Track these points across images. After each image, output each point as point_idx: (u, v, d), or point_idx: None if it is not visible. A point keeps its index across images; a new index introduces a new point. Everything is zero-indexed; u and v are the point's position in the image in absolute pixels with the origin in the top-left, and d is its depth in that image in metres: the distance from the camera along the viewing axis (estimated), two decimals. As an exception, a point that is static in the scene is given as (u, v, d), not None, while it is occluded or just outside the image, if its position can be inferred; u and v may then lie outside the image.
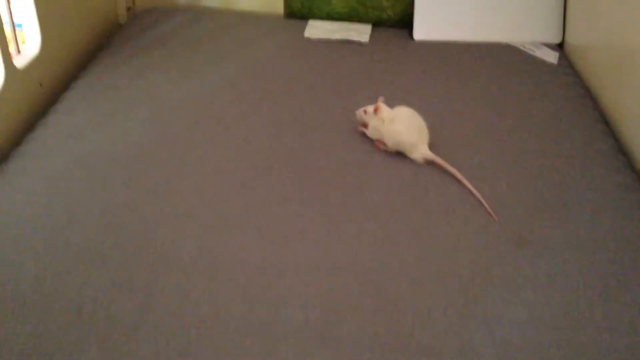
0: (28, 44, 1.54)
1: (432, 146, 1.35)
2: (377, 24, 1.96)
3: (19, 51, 1.53)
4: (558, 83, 1.66)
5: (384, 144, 1.38)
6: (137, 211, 1.19)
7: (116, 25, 2.00)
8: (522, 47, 1.84)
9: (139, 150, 1.36)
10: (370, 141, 1.41)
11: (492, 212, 1.21)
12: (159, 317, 0.98)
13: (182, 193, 1.25)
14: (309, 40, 1.87)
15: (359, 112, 1.42)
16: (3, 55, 1.36)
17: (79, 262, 1.07)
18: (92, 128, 1.43)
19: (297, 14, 2.00)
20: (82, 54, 1.79)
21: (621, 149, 1.41)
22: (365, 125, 1.42)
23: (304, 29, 1.92)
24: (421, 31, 1.89)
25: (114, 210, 1.19)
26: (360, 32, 1.90)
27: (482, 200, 1.23)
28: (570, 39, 1.83)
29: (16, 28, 1.53)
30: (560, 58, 1.78)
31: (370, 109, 1.39)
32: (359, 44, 1.85)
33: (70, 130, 1.42)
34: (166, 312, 0.99)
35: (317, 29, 1.92)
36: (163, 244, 1.12)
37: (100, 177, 1.28)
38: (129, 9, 2.06)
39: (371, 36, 1.89)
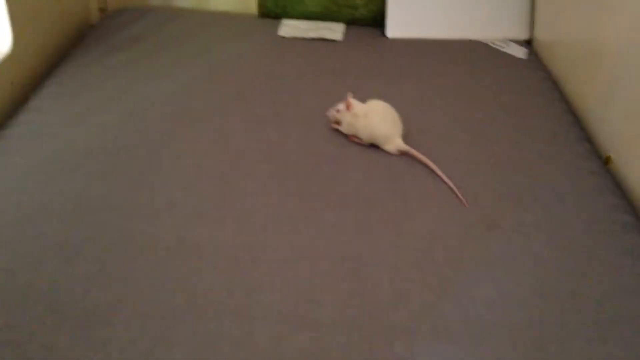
0: (-1, 43, 1.53)
1: (405, 138, 1.37)
2: (350, 23, 1.99)
3: (-10, 50, 1.52)
4: (527, 77, 1.70)
5: (359, 139, 1.40)
6: (112, 204, 1.19)
7: (88, 25, 2.00)
8: (492, 44, 1.88)
9: (114, 146, 1.36)
10: (345, 135, 1.42)
11: (463, 199, 1.23)
12: (134, 306, 0.98)
13: (159, 186, 1.25)
14: (283, 38, 1.88)
15: (331, 112, 1.43)
16: (-26, 53, 1.36)
17: (52, 254, 1.07)
18: (65, 125, 1.42)
19: (270, 13, 2.01)
20: (54, 54, 1.78)
21: (587, 137, 1.45)
22: (338, 122, 1.43)
23: (277, 28, 1.93)
24: (394, 29, 1.92)
25: (88, 203, 1.19)
26: (334, 31, 1.93)
27: (455, 188, 1.26)
28: (539, 35, 1.88)
29: (-13, 26, 1.52)
30: (529, 53, 1.82)
31: (342, 106, 1.41)
32: (333, 42, 1.87)
33: (43, 128, 1.41)
34: (142, 301, 0.99)
35: (291, 28, 1.94)
36: (139, 236, 1.12)
37: (74, 171, 1.27)
38: (101, 9, 2.05)
39: (345, 34, 1.92)
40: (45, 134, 1.39)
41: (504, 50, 1.84)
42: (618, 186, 1.30)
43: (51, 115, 1.46)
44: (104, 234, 1.12)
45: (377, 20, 1.96)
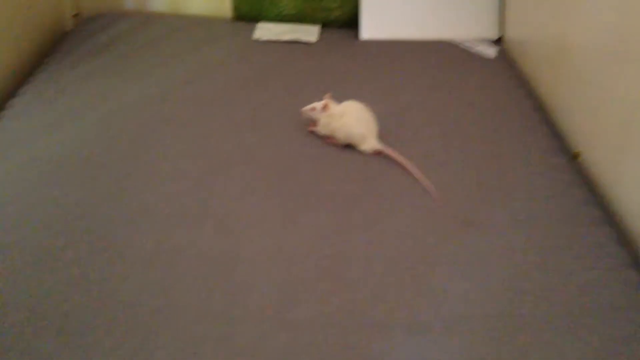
0: (-28, 50, 1.52)
1: (380, 138, 1.40)
2: (325, 25, 2.01)
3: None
4: (497, 75, 1.74)
5: (335, 140, 1.42)
6: (89, 210, 1.20)
7: (63, 32, 1.99)
8: (462, 44, 1.91)
9: (91, 152, 1.36)
10: (321, 137, 1.44)
11: (438, 197, 1.26)
12: (114, 310, 0.99)
13: (138, 191, 1.26)
14: (258, 41, 1.90)
15: (306, 110, 1.45)
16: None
17: (30, 261, 1.07)
18: (41, 132, 1.42)
19: (245, 16, 2.02)
20: (28, 61, 1.77)
21: (555, 133, 1.49)
22: (313, 123, 1.45)
23: (252, 31, 1.95)
24: (368, 31, 1.94)
25: (66, 210, 1.19)
26: (309, 33, 1.95)
27: (429, 186, 1.29)
28: (508, 35, 1.92)
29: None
30: (498, 52, 1.86)
31: (318, 105, 1.43)
32: (308, 44, 1.89)
33: (18, 135, 1.41)
34: (122, 305, 1.00)
35: (265, 31, 1.95)
36: (118, 241, 1.13)
37: (51, 179, 1.28)
38: (75, 15, 2.04)
39: (319, 36, 1.94)
40: (21, 141, 1.38)
41: (475, 49, 1.88)
42: (587, 181, 1.34)
43: (27, 122, 1.46)
44: (82, 240, 1.12)
45: (351, 22, 1.99)
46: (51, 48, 1.85)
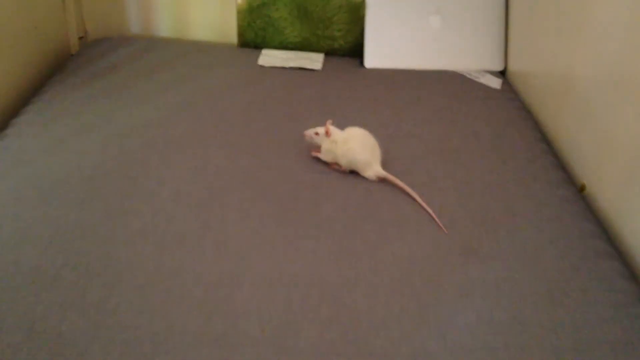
0: (-23, 70, 1.53)
1: (384, 165, 1.39)
2: (329, 53, 2.03)
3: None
4: (502, 106, 1.74)
5: (338, 165, 1.41)
6: (90, 231, 1.18)
7: (68, 54, 2.00)
8: (467, 74, 1.93)
9: (92, 173, 1.35)
10: (324, 162, 1.44)
11: (442, 225, 1.25)
12: (112, 333, 0.96)
13: (137, 213, 1.24)
14: (262, 68, 1.91)
15: (309, 133, 1.44)
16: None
17: (29, 282, 1.05)
18: (43, 152, 1.41)
19: (250, 43, 2.04)
20: (33, 82, 1.77)
21: (561, 165, 1.49)
22: (317, 149, 1.45)
23: (257, 57, 1.96)
24: (371, 59, 1.96)
25: (66, 230, 1.18)
26: (313, 60, 1.96)
27: (433, 214, 1.28)
28: (512, 67, 1.93)
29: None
30: (503, 84, 1.87)
31: (320, 130, 1.43)
32: (312, 71, 1.90)
33: (20, 155, 1.40)
34: (119, 328, 0.97)
35: (270, 58, 1.96)
36: (117, 263, 1.11)
37: (51, 199, 1.26)
38: (80, 38, 2.06)
39: (323, 64, 1.95)
40: (23, 161, 1.37)
41: (479, 80, 1.89)
42: (592, 213, 1.33)
43: (29, 142, 1.45)
44: (80, 261, 1.10)
45: (356, 51, 2.00)
46: (56, 69, 1.85)
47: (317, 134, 1.43)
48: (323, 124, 1.44)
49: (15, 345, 0.93)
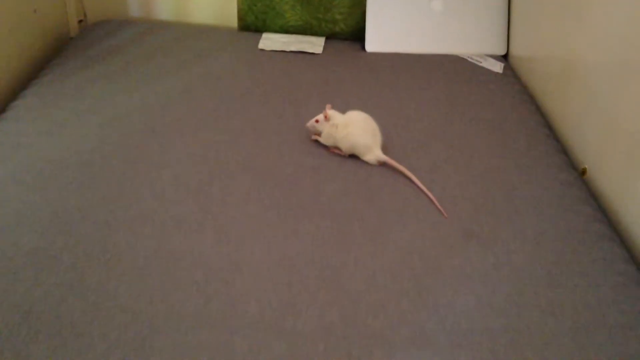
0: (-24, 53, 1.52)
1: (385, 149, 1.39)
2: (330, 37, 2.01)
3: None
4: (503, 91, 1.73)
5: (339, 149, 1.41)
6: (89, 214, 1.18)
7: (68, 37, 1.99)
8: (469, 58, 1.91)
9: (92, 157, 1.35)
10: (325, 146, 1.43)
11: (442, 209, 1.24)
12: (110, 314, 0.97)
13: (137, 197, 1.24)
14: (263, 51, 1.89)
15: (310, 123, 1.44)
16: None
17: (27, 264, 1.05)
18: (42, 135, 1.41)
19: (251, 27, 2.02)
20: (32, 65, 1.76)
21: (563, 149, 1.48)
22: (318, 134, 1.44)
23: (258, 41, 1.94)
24: (373, 43, 1.94)
25: (65, 213, 1.18)
26: (314, 44, 1.94)
27: (433, 198, 1.27)
28: (514, 51, 1.92)
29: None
30: (505, 68, 1.86)
31: (320, 117, 1.42)
32: (313, 55, 1.89)
33: (20, 138, 1.40)
34: (118, 310, 0.97)
35: (271, 41, 1.95)
36: (116, 246, 1.11)
37: (50, 182, 1.26)
38: (80, 21, 2.04)
39: (324, 48, 1.93)
40: (22, 144, 1.37)
41: (481, 64, 1.88)
42: (593, 197, 1.32)
43: (28, 125, 1.45)
44: (79, 244, 1.10)
45: (357, 35, 1.98)
46: (55, 53, 1.84)
47: (317, 121, 1.42)
48: (323, 108, 1.43)
49: (14, 326, 0.93)
